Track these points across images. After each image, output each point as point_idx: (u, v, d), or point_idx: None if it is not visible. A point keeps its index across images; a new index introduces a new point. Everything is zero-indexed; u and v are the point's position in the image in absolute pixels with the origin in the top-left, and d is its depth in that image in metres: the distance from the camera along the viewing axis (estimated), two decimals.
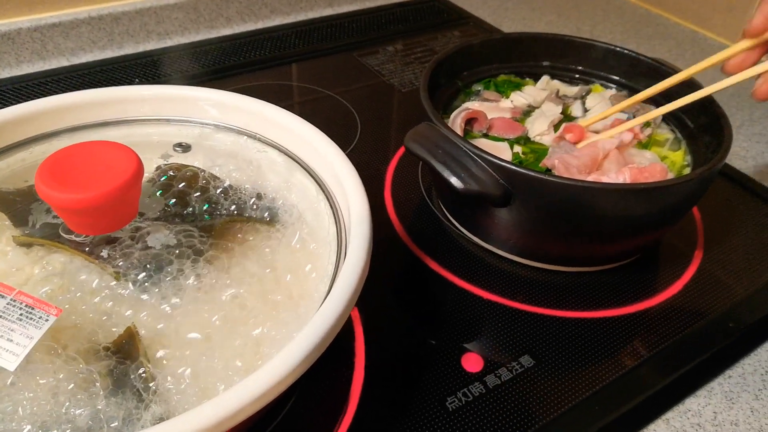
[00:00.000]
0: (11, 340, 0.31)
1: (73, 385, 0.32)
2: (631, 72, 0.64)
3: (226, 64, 0.83)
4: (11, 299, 0.33)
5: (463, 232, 0.57)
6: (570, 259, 0.53)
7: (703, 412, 0.44)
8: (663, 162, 0.55)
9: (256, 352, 0.35)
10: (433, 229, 0.58)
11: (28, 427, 0.31)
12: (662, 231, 0.54)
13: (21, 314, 0.32)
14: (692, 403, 0.45)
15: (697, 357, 0.48)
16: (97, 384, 0.32)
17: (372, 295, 0.50)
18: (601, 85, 0.65)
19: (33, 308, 0.33)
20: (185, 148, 0.49)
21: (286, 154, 0.48)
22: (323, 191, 0.45)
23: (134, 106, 0.49)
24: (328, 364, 0.45)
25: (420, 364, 0.46)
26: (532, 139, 0.58)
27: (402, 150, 0.68)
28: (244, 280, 0.39)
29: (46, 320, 0.32)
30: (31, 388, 0.32)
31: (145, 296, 0.37)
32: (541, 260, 0.54)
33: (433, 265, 0.54)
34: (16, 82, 0.75)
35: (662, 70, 0.61)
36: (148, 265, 0.38)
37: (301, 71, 0.83)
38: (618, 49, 0.63)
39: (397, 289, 0.53)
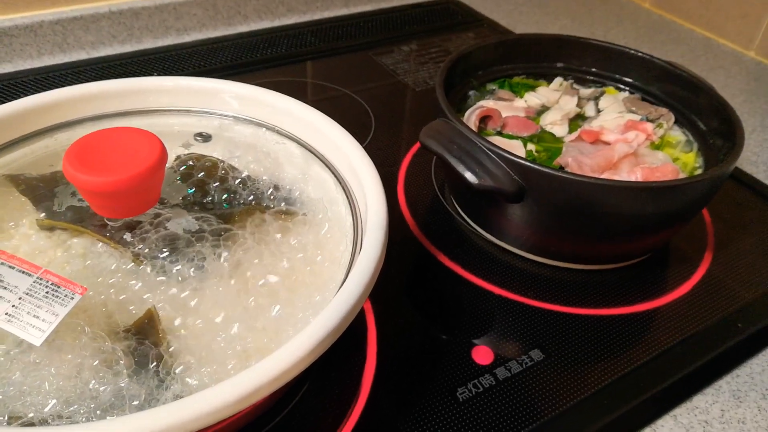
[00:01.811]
0: (38, 317, 0.32)
1: (97, 362, 0.33)
2: (645, 75, 0.64)
3: (242, 61, 0.84)
4: (38, 277, 0.34)
5: (475, 229, 0.58)
6: (581, 256, 0.54)
7: (710, 409, 0.45)
8: (675, 163, 0.55)
9: (274, 335, 0.36)
10: (446, 226, 0.59)
11: (53, 401, 0.32)
12: (673, 230, 0.54)
13: (47, 292, 0.33)
14: (700, 400, 0.45)
15: (705, 355, 0.48)
16: (121, 362, 0.33)
17: (384, 288, 0.51)
18: (615, 87, 0.66)
19: (59, 287, 0.34)
20: (205, 138, 0.50)
21: (304, 146, 0.49)
22: (340, 183, 0.46)
23: (156, 96, 0.50)
24: (341, 353, 0.46)
25: (431, 355, 0.47)
26: (544, 128, 0.59)
27: (415, 148, 0.69)
28: (263, 267, 0.40)
29: (72, 298, 0.33)
30: (56, 364, 0.33)
31: (164, 279, 0.38)
32: (552, 257, 0.54)
33: (445, 261, 0.55)
34: (37, 74, 0.77)
35: (676, 73, 0.61)
36: (167, 249, 0.39)
37: (317, 69, 0.84)
38: (632, 51, 0.64)
39: (409, 283, 0.53)
